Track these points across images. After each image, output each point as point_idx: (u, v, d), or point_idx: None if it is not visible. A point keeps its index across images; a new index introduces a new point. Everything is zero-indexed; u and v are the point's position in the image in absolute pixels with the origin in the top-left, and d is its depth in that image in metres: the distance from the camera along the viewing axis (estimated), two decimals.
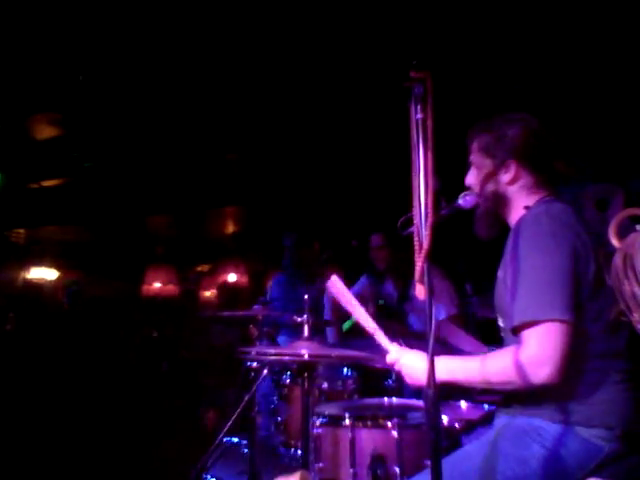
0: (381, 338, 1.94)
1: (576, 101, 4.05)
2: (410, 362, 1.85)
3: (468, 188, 1.98)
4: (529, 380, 1.59)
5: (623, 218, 1.20)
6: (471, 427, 2.18)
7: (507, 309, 1.72)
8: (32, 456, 4.62)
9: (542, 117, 1.92)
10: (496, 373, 1.68)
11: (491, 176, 1.90)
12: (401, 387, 3.13)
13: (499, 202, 1.91)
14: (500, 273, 1.82)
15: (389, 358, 1.91)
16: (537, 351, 1.58)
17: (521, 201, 1.86)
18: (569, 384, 1.62)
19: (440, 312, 3.75)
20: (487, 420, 2.09)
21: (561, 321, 1.58)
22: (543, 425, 1.66)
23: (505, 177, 1.87)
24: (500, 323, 1.87)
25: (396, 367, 1.89)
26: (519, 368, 1.59)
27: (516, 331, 1.65)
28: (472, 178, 1.97)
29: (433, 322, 1.43)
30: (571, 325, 1.58)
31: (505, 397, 1.84)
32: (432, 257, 1.43)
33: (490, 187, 1.91)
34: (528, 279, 1.64)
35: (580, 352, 1.62)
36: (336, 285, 2.02)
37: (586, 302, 1.64)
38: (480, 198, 1.95)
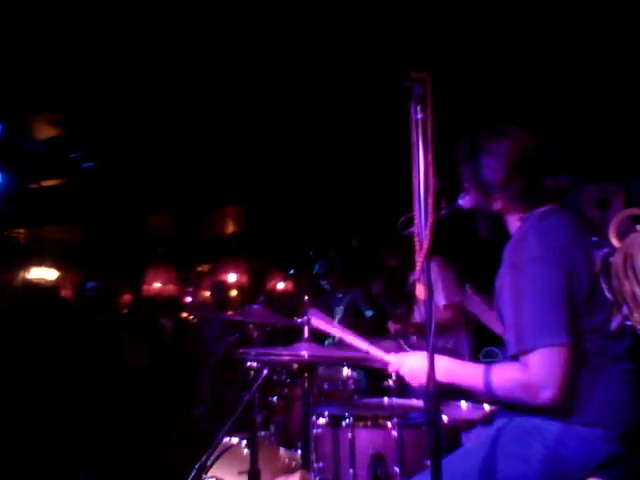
0: (376, 353, 1.97)
1: (576, 101, 4.05)
2: (412, 365, 1.86)
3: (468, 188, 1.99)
4: (531, 401, 1.63)
5: (623, 218, 1.20)
6: (471, 426, 2.18)
7: (504, 321, 1.74)
8: (30, 456, 4.62)
9: (542, 117, 1.92)
10: (500, 387, 1.70)
11: (482, 204, 1.93)
12: (402, 387, 3.13)
13: (495, 216, 1.94)
14: (497, 284, 1.82)
15: (391, 368, 1.93)
16: (538, 375, 1.61)
17: (513, 215, 1.88)
18: (570, 388, 1.62)
19: (439, 299, 3.78)
20: (488, 420, 2.10)
21: (560, 345, 1.60)
22: (544, 424, 1.67)
23: (495, 206, 1.89)
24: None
25: (400, 374, 1.91)
26: (522, 388, 1.63)
27: (516, 357, 1.67)
28: (469, 200, 1.98)
29: (433, 321, 1.43)
30: (570, 347, 1.60)
31: None
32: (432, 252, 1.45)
33: (484, 208, 1.93)
34: (524, 304, 1.66)
35: (581, 359, 1.64)
36: (317, 316, 2.08)
37: (582, 316, 1.65)
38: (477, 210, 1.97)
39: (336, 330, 2.08)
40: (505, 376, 1.69)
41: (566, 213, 1.82)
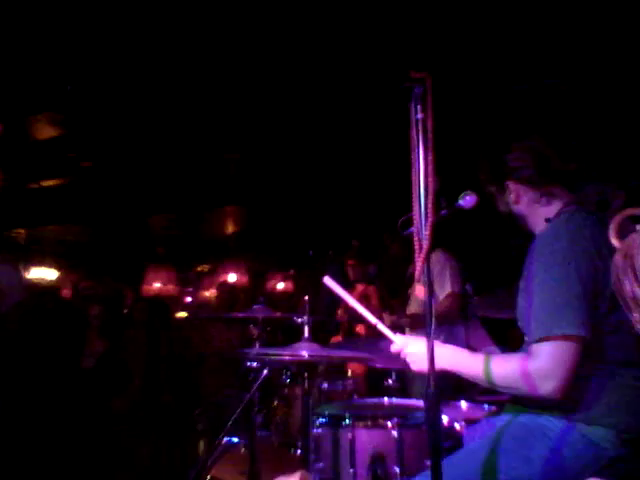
0: (383, 329, 1.96)
1: (575, 101, 4.05)
2: (415, 349, 1.86)
3: (472, 187, 2.00)
4: (533, 391, 1.62)
5: (623, 218, 1.19)
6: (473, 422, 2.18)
7: (525, 323, 1.74)
8: (29, 455, 4.62)
9: (541, 117, 1.92)
10: (501, 377, 1.70)
11: (501, 200, 1.96)
12: (404, 387, 3.13)
13: (519, 219, 1.95)
14: (521, 284, 1.83)
15: (394, 347, 1.93)
16: (545, 365, 1.60)
17: (539, 213, 1.89)
18: (580, 386, 1.63)
19: (446, 286, 3.78)
20: (491, 414, 2.10)
21: (572, 337, 1.59)
22: (548, 424, 1.67)
23: (510, 198, 1.92)
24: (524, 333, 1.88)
25: (401, 356, 1.90)
26: (525, 378, 1.62)
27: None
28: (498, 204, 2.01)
29: (433, 321, 1.43)
30: (582, 341, 1.60)
31: (511, 396, 1.85)
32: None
33: (504, 209, 1.96)
34: (545, 296, 1.66)
35: (595, 360, 1.64)
36: (331, 285, 2.07)
37: (604, 316, 1.65)
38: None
39: (349, 298, 2.07)
40: (507, 366, 1.69)
41: (589, 214, 1.83)
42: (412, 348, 1.87)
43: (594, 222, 1.77)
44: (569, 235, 1.70)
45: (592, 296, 1.63)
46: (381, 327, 1.97)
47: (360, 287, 4.76)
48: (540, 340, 1.62)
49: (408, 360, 1.88)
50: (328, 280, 2.08)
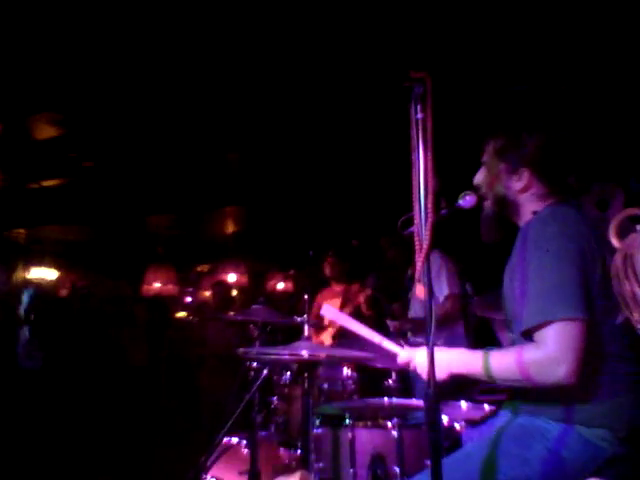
0: (389, 345, 1.97)
1: (575, 100, 4.05)
2: (423, 359, 1.85)
3: (473, 187, 1.98)
4: (543, 379, 1.59)
5: (623, 218, 1.19)
6: (472, 425, 2.18)
7: (515, 312, 1.73)
8: (30, 456, 4.62)
9: (541, 117, 1.92)
10: (503, 370, 1.69)
11: (502, 180, 1.90)
12: (406, 387, 3.14)
13: (507, 206, 1.92)
14: (507, 276, 1.82)
15: (400, 360, 1.93)
16: (554, 350, 1.58)
17: (530, 207, 1.87)
18: (577, 383, 1.62)
19: (443, 288, 3.79)
20: (489, 417, 2.10)
21: (576, 319, 1.58)
22: (546, 425, 1.66)
23: (517, 184, 1.87)
24: (509, 329, 1.87)
25: (411, 367, 1.91)
26: (533, 367, 1.60)
27: (529, 333, 1.64)
28: (481, 177, 1.97)
29: (433, 321, 1.43)
30: (586, 323, 1.58)
31: (509, 395, 1.85)
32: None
33: (499, 191, 1.91)
34: (539, 281, 1.64)
35: (589, 352, 1.62)
36: (330, 311, 2.10)
37: (596, 299, 1.64)
38: (487, 200, 1.95)
39: (349, 321, 2.08)
40: (509, 357, 1.67)
41: (577, 208, 1.84)
42: (420, 358, 1.87)
43: (578, 214, 1.79)
44: (558, 222, 1.71)
45: (585, 280, 1.63)
46: (386, 344, 1.97)
47: (338, 287, 4.73)
48: (541, 326, 1.60)
49: (419, 371, 1.87)
50: (326, 308, 2.15)
